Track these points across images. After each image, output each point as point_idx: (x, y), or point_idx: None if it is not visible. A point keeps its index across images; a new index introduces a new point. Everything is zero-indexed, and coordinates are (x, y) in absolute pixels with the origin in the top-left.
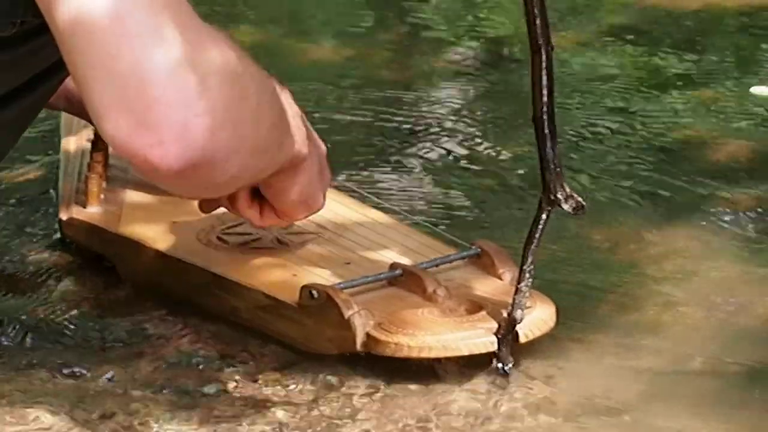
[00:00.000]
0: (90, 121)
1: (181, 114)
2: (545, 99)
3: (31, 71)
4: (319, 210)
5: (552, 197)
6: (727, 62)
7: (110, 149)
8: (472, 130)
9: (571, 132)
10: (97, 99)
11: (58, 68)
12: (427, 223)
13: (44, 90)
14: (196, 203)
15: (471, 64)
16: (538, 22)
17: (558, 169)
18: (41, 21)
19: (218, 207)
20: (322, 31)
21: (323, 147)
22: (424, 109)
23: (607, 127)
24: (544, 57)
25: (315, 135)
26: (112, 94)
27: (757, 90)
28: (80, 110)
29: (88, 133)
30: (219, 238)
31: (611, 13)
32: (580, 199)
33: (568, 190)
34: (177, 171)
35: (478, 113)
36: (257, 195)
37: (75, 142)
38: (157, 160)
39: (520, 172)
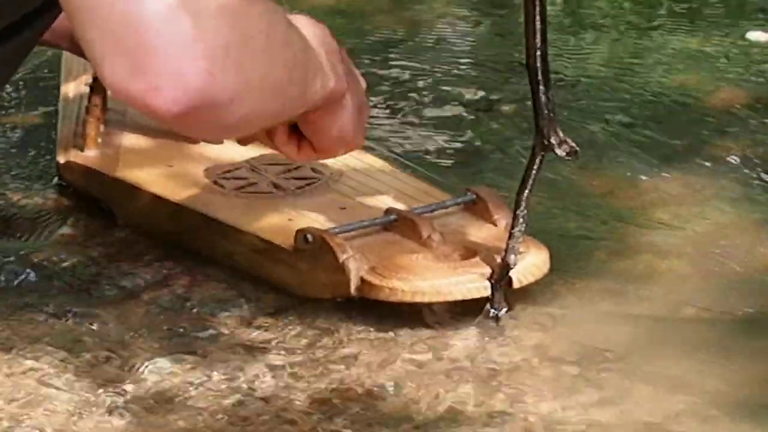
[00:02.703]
0: None
1: (177, 59)
2: (539, 44)
3: (22, 10)
4: (358, 147)
5: (545, 142)
6: (723, 7)
7: (109, 93)
8: (468, 75)
9: (565, 78)
10: (94, 46)
11: (47, 8)
12: (422, 169)
13: (35, 30)
14: (194, 146)
15: (469, 8)
16: None
17: (551, 115)
18: None
19: (254, 141)
20: None
21: (363, 83)
22: (421, 55)
23: (602, 74)
24: (537, 1)
25: (356, 71)
26: (107, 41)
27: (753, 35)
28: (83, 50)
29: (87, 77)
30: (215, 182)
31: None
32: (573, 144)
33: (561, 135)
34: (176, 115)
35: (475, 58)
36: (296, 130)
37: (74, 86)
38: (155, 105)
39: (517, 118)
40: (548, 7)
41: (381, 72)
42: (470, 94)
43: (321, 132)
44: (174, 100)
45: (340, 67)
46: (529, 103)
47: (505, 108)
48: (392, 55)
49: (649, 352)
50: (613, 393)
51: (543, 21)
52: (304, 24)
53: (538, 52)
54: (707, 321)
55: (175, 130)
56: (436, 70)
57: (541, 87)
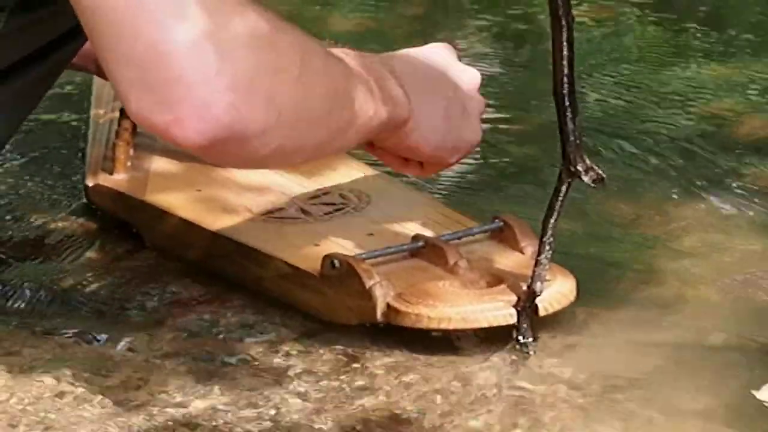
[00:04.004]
0: None
1: (200, 90)
2: (566, 71)
3: (48, 36)
4: (474, 147)
5: (572, 169)
6: (751, 37)
7: None
8: (494, 103)
9: (592, 105)
10: (118, 77)
11: (76, 34)
12: (449, 196)
13: (64, 53)
14: (223, 171)
15: (493, 36)
16: None
17: (578, 142)
18: None
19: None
20: (345, 1)
21: (467, 79)
22: None
23: (629, 101)
24: (565, 28)
25: (436, 83)
26: (132, 73)
27: None
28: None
29: (117, 101)
30: (244, 207)
31: None
32: (600, 171)
33: (588, 162)
34: (202, 147)
35: (500, 87)
36: None
37: (104, 109)
38: (179, 136)
39: (543, 145)
40: (577, 34)
41: None
42: (496, 120)
43: (414, 153)
44: (198, 132)
45: (398, 91)
46: (556, 128)
47: (532, 134)
48: None
49: (675, 382)
50: (637, 423)
51: (570, 48)
52: (348, 54)
53: (566, 79)
54: (734, 350)
55: (204, 160)
56: None
57: (569, 114)
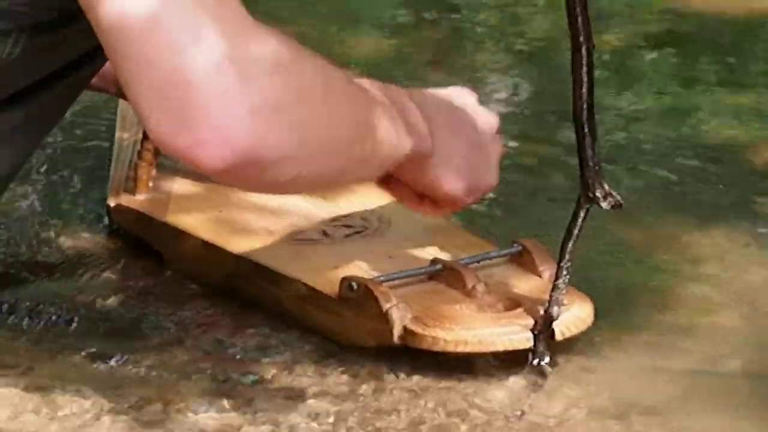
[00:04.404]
0: None
1: (223, 115)
2: (585, 97)
3: (64, 58)
4: (490, 189)
5: (590, 195)
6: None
7: None
8: (512, 127)
9: (611, 132)
10: (140, 100)
11: (96, 54)
12: (469, 220)
13: (84, 73)
14: (244, 193)
15: (514, 60)
16: (579, 19)
17: (597, 167)
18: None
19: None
20: (367, 24)
21: (485, 122)
22: None
23: (647, 129)
24: (585, 55)
25: (458, 123)
26: (154, 96)
27: None
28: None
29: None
30: (264, 229)
31: (652, 17)
32: (618, 197)
33: (606, 187)
34: (223, 171)
35: (518, 111)
36: None
37: (129, 131)
38: (202, 160)
39: (560, 170)
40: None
41: None
42: (514, 145)
43: (432, 189)
44: (218, 156)
45: (423, 125)
46: (574, 153)
47: (551, 158)
48: None
49: (690, 408)
50: None
51: (590, 73)
52: (372, 84)
53: (585, 105)
54: (749, 377)
55: (223, 184)
56: None
57: (587, 139)
